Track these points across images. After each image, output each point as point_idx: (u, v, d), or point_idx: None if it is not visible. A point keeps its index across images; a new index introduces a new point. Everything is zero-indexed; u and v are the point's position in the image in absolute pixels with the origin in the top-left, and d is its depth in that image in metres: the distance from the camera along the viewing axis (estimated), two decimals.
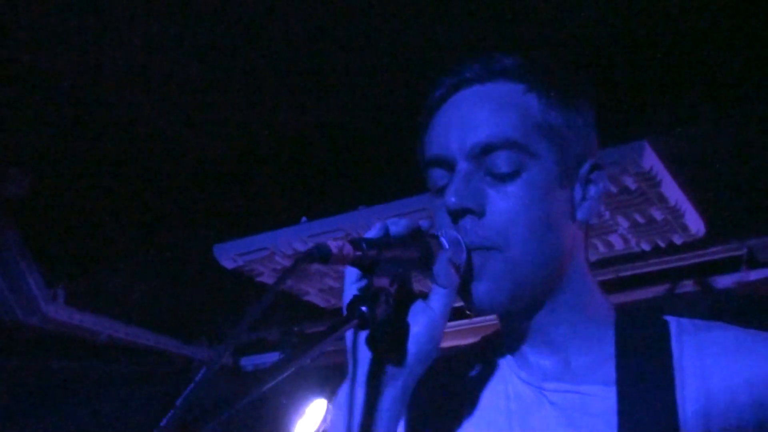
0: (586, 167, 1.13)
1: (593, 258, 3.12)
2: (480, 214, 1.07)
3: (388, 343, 1.05)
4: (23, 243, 3.21)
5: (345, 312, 0.99)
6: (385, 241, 1.01)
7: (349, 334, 1.07)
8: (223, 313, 3.61)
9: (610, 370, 1.08)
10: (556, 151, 1.10)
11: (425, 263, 1.04)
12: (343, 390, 1.09)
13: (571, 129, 1.12)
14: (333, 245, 0.91)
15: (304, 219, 2.92)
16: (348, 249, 0.93)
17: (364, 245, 0.95)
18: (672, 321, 1.12)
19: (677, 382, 1.03)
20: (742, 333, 1.08)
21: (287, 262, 3.22)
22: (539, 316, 1.12)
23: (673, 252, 3.00)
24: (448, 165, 1.11)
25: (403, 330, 1.05)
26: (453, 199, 1.07)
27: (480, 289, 1.08)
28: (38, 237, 3.23)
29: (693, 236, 2.87)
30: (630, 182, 2.55)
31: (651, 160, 2.46)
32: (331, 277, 3.36)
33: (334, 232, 2.90)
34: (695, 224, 2.81)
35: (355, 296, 0.99)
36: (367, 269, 0.98)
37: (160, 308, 3.65)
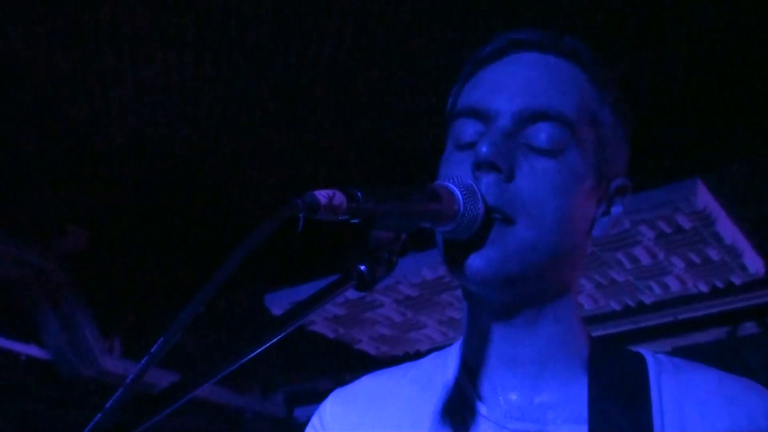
0: (617, 182, 1.05)
1: (649, 300, 3.06)
2: (508, 177, 0.95)
3: None
4: (81, 296, 3.29)
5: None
6: (385, 190, 0.86)
7: None
8: (276, 363, 3.61)
9: (581, 408, 0.96)
10: (599, 150, 1.03)
11: (432, 216, 0.90)
12: None
13: (615, 136, 1.05)
14: (321, 195, 0.78)
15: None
16: (340, 199, 0.80)
17: (359, 195, 0.82)
18: (649, 357, 1.02)
19: (656, 425, 0.93)
20: (726, 377, 0.99)
21: (339, 311, 3.22)
22: (524, 315, 0.99)
23: (733, 293, 2.92)
24: (486, 118, 1.00)
25: None
26: (486, 149, 0.94)
27: (487, 254, 0.94)
28: (95, 291, 3.30)
29: (752, 276, 2.80)
30: (684, 221, 2.50)
31: (705, 198, 2.42)
32: (383, 325, 3.34)
33: None
34: (754, 264, 2.74)
35: (352, 254, 0.86)
36: (363, 223, 0.84)
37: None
